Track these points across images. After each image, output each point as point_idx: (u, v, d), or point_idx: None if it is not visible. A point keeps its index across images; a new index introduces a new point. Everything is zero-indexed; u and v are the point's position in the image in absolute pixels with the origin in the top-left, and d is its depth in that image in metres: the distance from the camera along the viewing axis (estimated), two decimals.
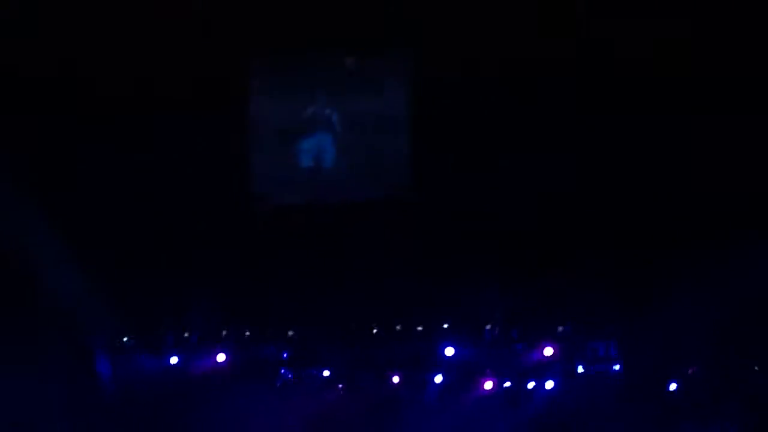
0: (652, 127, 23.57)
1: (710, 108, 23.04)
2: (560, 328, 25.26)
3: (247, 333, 26.12)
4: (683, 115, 23.26)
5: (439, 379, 26.22)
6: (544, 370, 25.59)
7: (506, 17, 22.46)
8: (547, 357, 25.31)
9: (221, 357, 26.09)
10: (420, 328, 25.66)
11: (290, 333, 26.10)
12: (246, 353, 26.25)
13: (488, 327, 25.42)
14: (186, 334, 26.19)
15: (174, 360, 26.15)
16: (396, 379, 26.54)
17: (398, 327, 25.68)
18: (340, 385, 26.82)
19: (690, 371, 24.85)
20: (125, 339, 26.14)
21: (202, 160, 23.81)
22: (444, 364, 25.90)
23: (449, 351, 25.54)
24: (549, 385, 25.63)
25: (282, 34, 23.23)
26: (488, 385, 26.15)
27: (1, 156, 23.04)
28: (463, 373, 26.09)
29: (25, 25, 22.48)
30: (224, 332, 26.14)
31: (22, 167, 23.14)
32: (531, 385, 25.88)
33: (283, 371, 26.68)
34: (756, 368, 24.63)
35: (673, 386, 24.90)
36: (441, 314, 25.60)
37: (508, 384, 25.95)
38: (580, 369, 25.41)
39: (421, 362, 26.13)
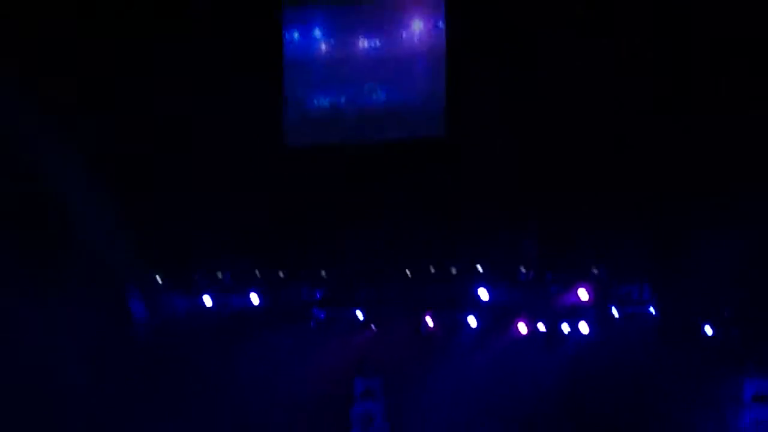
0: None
1: None
2: (594, 271, 25.17)
3: (281, 274, 26.19)
4: None
5: (472, 321, 26.39)
6: (578, 312, 25.57)
7: None
8: (581, 299, 25.27)
9: (254, 298, 26.32)
10: (454, 271, 25.61)
11: (323, 274, 26.17)
12: (279, 294, 26.36)
13: (522, 269, 25.34)
14: (219, 275, 26.38)
15: (207, 300, 26.35)
16: (429, 321, 26.74)
17: (432, 269, 25.64)
18: (374, 326, 27.07)
19: (725, 314, 24.76)
20: (158, 279, 26.41)
21: (238, 101, 23.74)
22: (478, 307, 25.99)
23: (483, 293, 25.52)
24: (583, 327, 25.65)
25: None
26: (522, 327, 26.19)
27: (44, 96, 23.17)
28: (496, 316, 26.08)
29: None
30: (257, 273, 26.32)
31: (61, 105, 23.18)
32: (565, 327, 25.94)
33: (316, 312, 26.87)
34: None
35: (708, 329, 24.81)
36: (475, 257, 25.56)
37: (542, 326, 26.02)
38: (614, 311, 25.38)
39: (455, 304, 26.17)
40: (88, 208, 24.09)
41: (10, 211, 23.42)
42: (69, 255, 24.07)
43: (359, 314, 26.66)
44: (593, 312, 25.40)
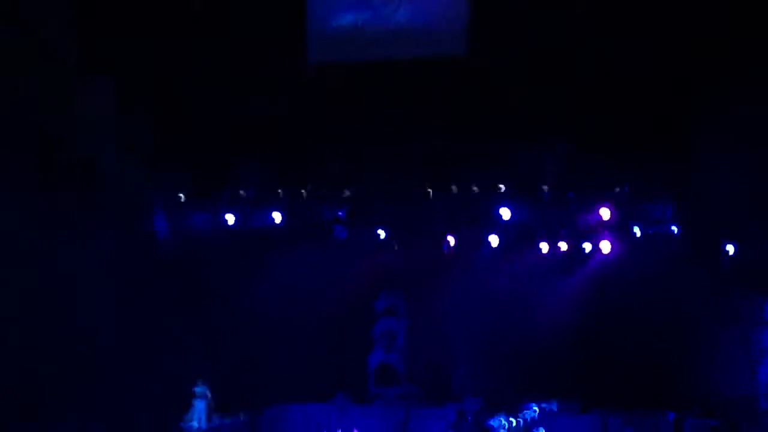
0: None
1: None
2: (617, 190, 25.13)
3: (303, 192, 26.21)
4: None
5: (494, 240, 26.41)
6: (600, 231, 25.56)
7: None
8: (604, 219, 25.23)
9: (277, 216, 26.37)
10: (476, 189, 25.57)
11: (346, 192, 26.18)
12: (302, 212, 26.42)
13: (544, 188, 25.26)
14: (242, 193, 26.42)
15: (230, 218, 26.42)
16: (451, 240, 26.77)
17: (454, 188, 25.59)
18: (395, 245, 27.11)
19: (748, 232, 24.66)
20: (181, 196, 26.47)
21: (261, 19, 23.54)
22: (500, 226, 26.00)
23: (505, 212, 25.50)
24: (605, 246, 25.64)
25: None
26: (544, 246, 26.20)
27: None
28: (518, 235, 26.13)
29: None
30: (280, 191, 26.33)
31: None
32: (587, 246, 25.95)
33: (338, 230, 26.89)
34: None
35: (730, 248, 24.76)
36: (497, 175, 25.51)
37: (563, 245, 26.01)
38: (637, 231, 25.35)
39: (477, 223, 26.18)
40: (112, 128, 24.08)
41: (33, 134, 23.44)
42: (94, 175, 24.11)
43: (381, 233, 26.81)
44: (615, 231, 25.46)
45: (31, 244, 23.78)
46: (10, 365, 23.23)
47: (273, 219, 26.18)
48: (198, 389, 25.70)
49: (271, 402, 25.78)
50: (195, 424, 25.60)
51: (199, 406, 25.71)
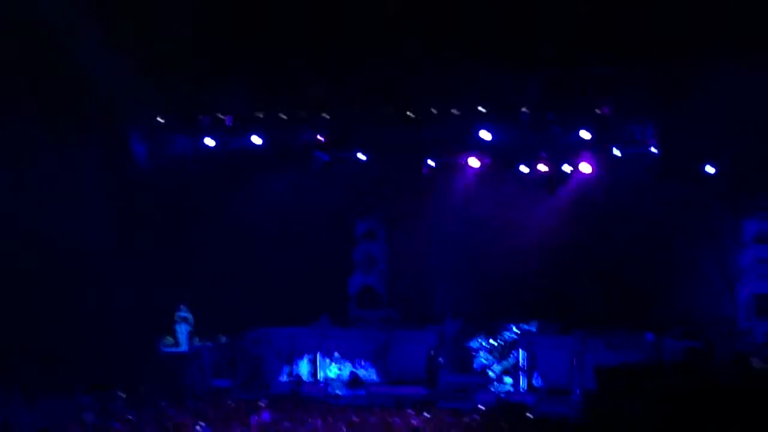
0: None
1: None
2: (597, 111, 24.98)
3: (283, 115, 26.03)
4: None
5: (474, 162, 26.34)
6: (580, 153, 25.47)
7: None
8: (584, 140, 25.12)
9: (256, 139, 26.25)
10: (456, 111, 25.42)
11: (325, 115, 26.01)
12: (281, 136, 26.27)
13: (524, 109, 25.11)
14: (221, 116, 26.25)
15: (209, 142, 26.30)
16: (431, 163, 26.69)
17: (434, 110, 25.43)
18: (375, 168, 26.99)
19: (727, 153, 24.60)
20: (160, 119, 26.29)
21: None
22: (480, 148, 25.88)
23: (485, 134, 25.38)
24: (585, 167, 25.56)
25: None
26: (524, 168, 26.12)
27: None
28: (498, 157, 26.05)
29: None
30: (260, 115, 26.16)
31: None
32: (567, 168, 25.89)
33: (318, 154, 26.79)
34: None
35: (709, 168, 24.71)
36: (477, 97, 25.34)
37: (543, 167, 25.93)
38: (617, 151, 25.26)
39: (457, 145, 26.08)
40: (94, 49, 23.87)
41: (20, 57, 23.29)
42: (75, 96, 23.95)
43: (362, 156, 26.74)
44: (595, 152, 25.38)
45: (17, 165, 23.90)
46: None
47: (253, 142, 26.08)
48: (180, 313, 25.84)
49: (252, 325, 25.84)
50: (177, 347, 25.77)
51: (181, 329, 25.86)
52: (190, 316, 25.82)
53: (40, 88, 23.65)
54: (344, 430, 18.39)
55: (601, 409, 16.14)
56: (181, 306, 25.83)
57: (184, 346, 25.66)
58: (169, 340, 25.39)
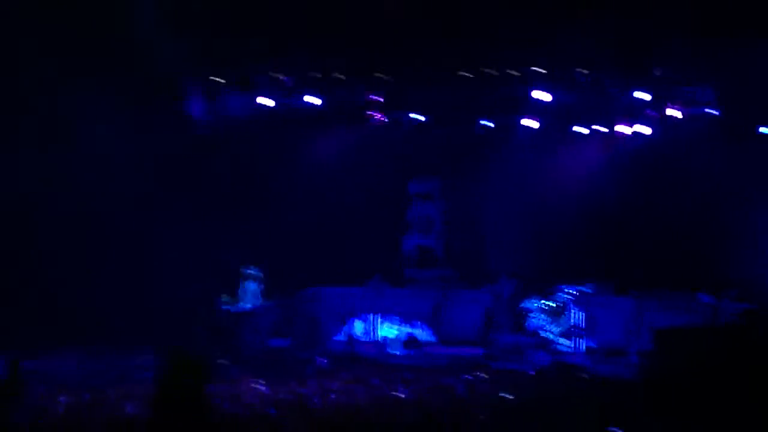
0: None
1: None
2: (656, 72, 24.83)
3: (340, 75, 26.09)
4: None
5: (530, 123, 26.25)
6: (637, 114, 25.35)
7: None
8: (641, 101, 24.97)
9: (314, 99, 26.27)
10: (513, 72, 25.33)
11: (381, 75, 26.01)
12: (338, 96, 26.32)
13: (581, 71, 25.00)
14: (279, 76, 26.31)
15: (266, 101, 26.30)
16: (487, 123, 26.63)
17: (489, 71, 25.36)
18: (432, 129, 27.01)
19: None
20: (217, 79, 26.41)
21: None
22: (535, 109, 25.80)
23: (542, 95, 25.28)
24: (642, 129, 25.42)
25: None
26: (580, 129, 26.03)
27: None
28: (554, 118, 25.95)
29: None
30: (317, 75, 26.19)
31: None
32: (624, 129, 25.74)
33: (375, 114, 26.82)
34: None
35: (765, 129, 24.47)
36: (533, 58, 25.24)
37: (601, 128, 25.82)
38: (675, 113, 25.05)
39: (512, 106, 26.02)
40: (149, 11, 24.00)
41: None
42: (131, 56, 24.11)
43: (416, 116, 26.73)
44: (654, 113, 25.23)
45: (73, 123, 24.17)
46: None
47: (309, 102, 26.13)
48: (249, 271, 25.89)
49: (307, 285, 25.99)
50: (244, 303, 25.90)
51: (251, 287, 25.93)
52: (257, 272, 25.83)
53: (94, 52, 23.89)
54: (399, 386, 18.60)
55: (659, 370, 16.13)
56: (250, 264, 25.86)
57: (247, 303, 25.77)
58: (226, 297, 25.53)
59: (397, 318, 25.61)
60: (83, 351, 22.90)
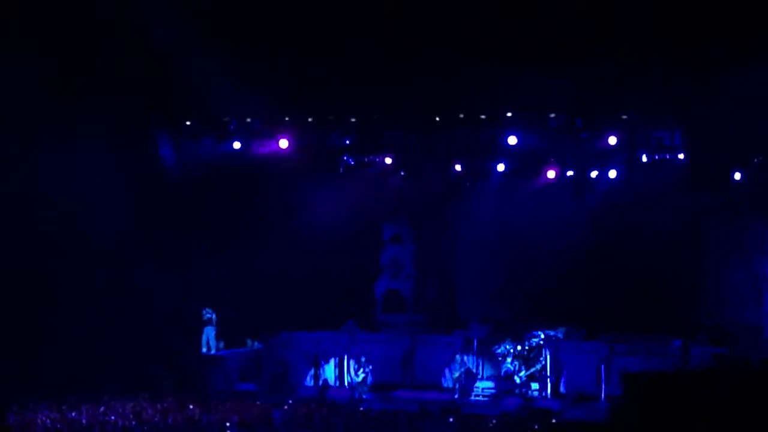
0: None
1: None
2: (624, 117, 24.96)
3: (310, 119, 26.08)
4: None
5: (501, 167, 26.32)
6: (607, 158, 25.47)
7: None
8: (611, 145, 25.10)
9: (283, 143, 26.24)
10: (483, 116, 25.42)
11: (352, 119, 26.04)
12: (308, 139, 26.31)
13: (552, 115, 25.12)
14: (248, 120, 26.29)
15: (236, 145, 26.33)
16: (458, 167, 26.68)
17: (461, 115, 25.45)
18: (402, 172, 27.05)
19: (756, 160, 24.57)
20: (187, 122, 26.36)
21: None
22: (507, 153, 25.88)
23: (512, 139, 25.37)
24: (612, 173, 25.56)
25: None
26: (551, 173, 26.11)
27: None
28: (525, 162, 26.04)
29: None
30: (286, 118, 26.18)
31: None
32: (594, 173, 25.86)
33: (345, 158, 26.84)
34: None
35: (737, 175, 24.66)
36: (504, 102, 25.33)
37: (571, 173, 25.92)
38: (644, 158, 25.22)
39: (484, 150, 26.10)
40: (122, 51, 23.96)
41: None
42: (98, 98, 24.05)
43: (388, 160, 26.75)
44: (623, 158, 25.36)
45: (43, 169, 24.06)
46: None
47: (279, 146, 26.09)
48: (206, 315, 25.84)
49: (278, 329, 25.85)
50: (204, 349, 25.81)
51: (207, 332, 25.87)
52: (214, 316, 25.80)
53: (70, 91, 23.81)
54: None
55: (628, 415, 16.07)
56: (206, 308, 25.82)
57: (211, 349, 25.70)
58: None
59: (369, 363, 25.48)
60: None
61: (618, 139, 24.92)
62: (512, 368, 24.68)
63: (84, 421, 19.92)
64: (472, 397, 24.05)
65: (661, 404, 15.34)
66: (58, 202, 24.52)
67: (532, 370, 24.58)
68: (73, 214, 24.85)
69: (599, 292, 25.40)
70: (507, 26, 23.66)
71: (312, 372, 25.45)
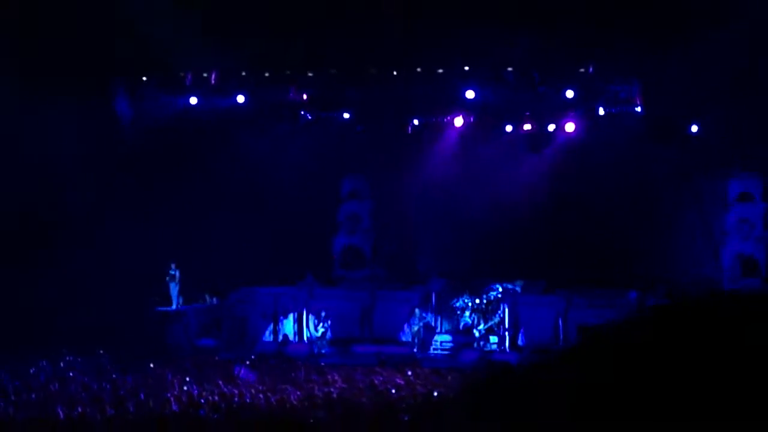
0: None
1: None
2: (582, 70, 24.97)
3: (267, 74, 25.92)
4: None
5: (459, 121, 26.31)
6: (565, 112, 25.49)
7: None
8: (569, 99, 25.12)
9: (240, 98, 26.09)
10: (440, 71, 25.36)
11: (310, 74, 25.91)
12: (266, 94, 26.20)
13: (510, 69, 25.08)
14: (204, 75, 26.08)
15: (193, 100, 26.15)
16: (416, 122, 26.65)
17: (418, 69, 25.38)
18: (360, 127, 26.98)
19: (712, 113, 24.62)
20: (144, 78, 26.14)
21: None
22: (464, 107, 25.86)
23: (470, 93, 25.34)
24: (570, 127, 25.59)
25: None
26: (509, 127, 26.12)
27: None
28: (483, 116, 26.02)
29: None
30: (244, 73, 26.01)
31: None
32: (552, 127, 25.90)
33: (302, 113, 26.72)
34: None
35: (694, 128, 24.77)
36: (462, 56, 25.27)
37: (528, 126, 25.93)
38: (602, 111, 25.27)
39: (441, 105, 26.06)
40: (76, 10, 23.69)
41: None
42: (59, 53, 23.78)
43: (346, 115, 26.67)
44: (580, 111, 25.39)
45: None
46: None
47: (237, 101, 25.96)
48: (170, 271, 25.70)
49: (237, 285, 25.81)
50: (169, 305, 25.69)
51: (171, 288, 25.75)
52: (177, 273, 25.70)
53: (22, 46, 23.58)
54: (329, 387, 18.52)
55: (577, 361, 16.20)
56: (171, 264, 25.68)
57: (173, 305, 25.61)
58: (157, 298, 25.33)
59: (327, 317, 25.48)
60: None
61: (575, 93, 24.99)
62: (470, 322, 24.77)
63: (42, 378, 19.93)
64: (431, 351, 24.22)
65: (616, 355, 15.46)
66: (19, 162, 24.35)
67: (491, 323, 24.68)
68: (35, 174, 24.69)
69: (557, 246, 25.49)
70: None
71: (271, 327, 25.47)
